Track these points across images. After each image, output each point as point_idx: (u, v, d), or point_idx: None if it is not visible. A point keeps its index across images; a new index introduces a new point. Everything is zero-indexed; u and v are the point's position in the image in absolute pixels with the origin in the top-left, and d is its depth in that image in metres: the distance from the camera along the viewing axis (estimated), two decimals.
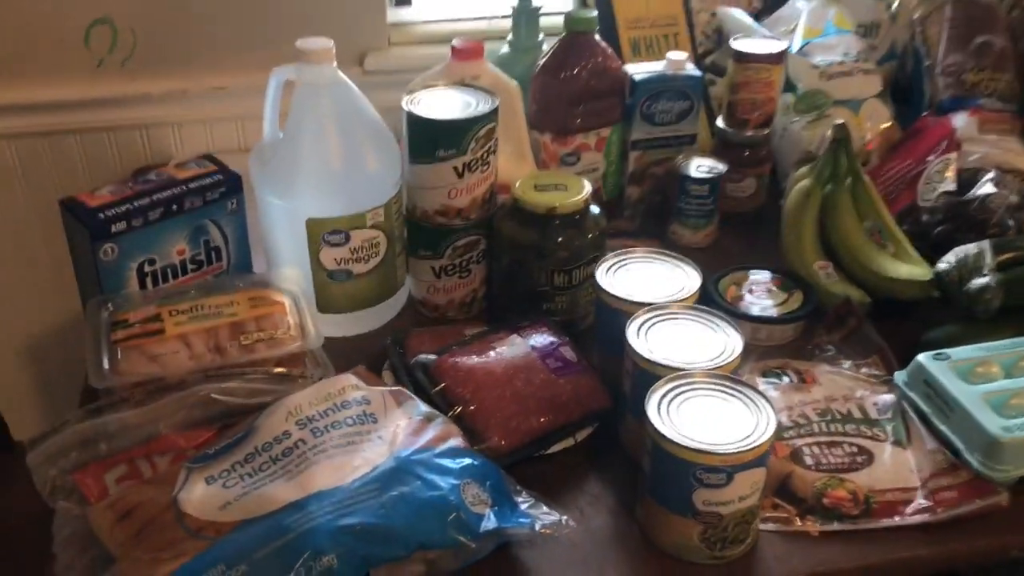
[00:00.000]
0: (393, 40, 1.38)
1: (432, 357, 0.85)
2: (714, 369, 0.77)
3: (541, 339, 0.89)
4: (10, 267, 1.39)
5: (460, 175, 0.95)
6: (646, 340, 0.80)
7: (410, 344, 0.91)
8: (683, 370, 0.76)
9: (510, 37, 1.27)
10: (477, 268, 1.01)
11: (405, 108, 0.94)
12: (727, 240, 1.18)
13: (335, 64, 0.91)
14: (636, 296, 0.86)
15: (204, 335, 0.85)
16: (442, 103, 0.95)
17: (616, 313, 0.86)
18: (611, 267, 0.90)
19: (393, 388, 0.79)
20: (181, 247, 0.94)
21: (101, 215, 0.88)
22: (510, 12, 1.26)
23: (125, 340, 0.83)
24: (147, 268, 0.92)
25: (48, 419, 1.43)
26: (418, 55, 1.37)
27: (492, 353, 0.85)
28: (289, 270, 0.96)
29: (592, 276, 0.93)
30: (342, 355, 0.95)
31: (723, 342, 0.80)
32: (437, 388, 0.82)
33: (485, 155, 0.95)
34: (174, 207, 0.92)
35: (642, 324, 0.82)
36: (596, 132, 1.15)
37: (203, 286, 0.92)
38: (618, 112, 1.16)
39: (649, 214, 1.21)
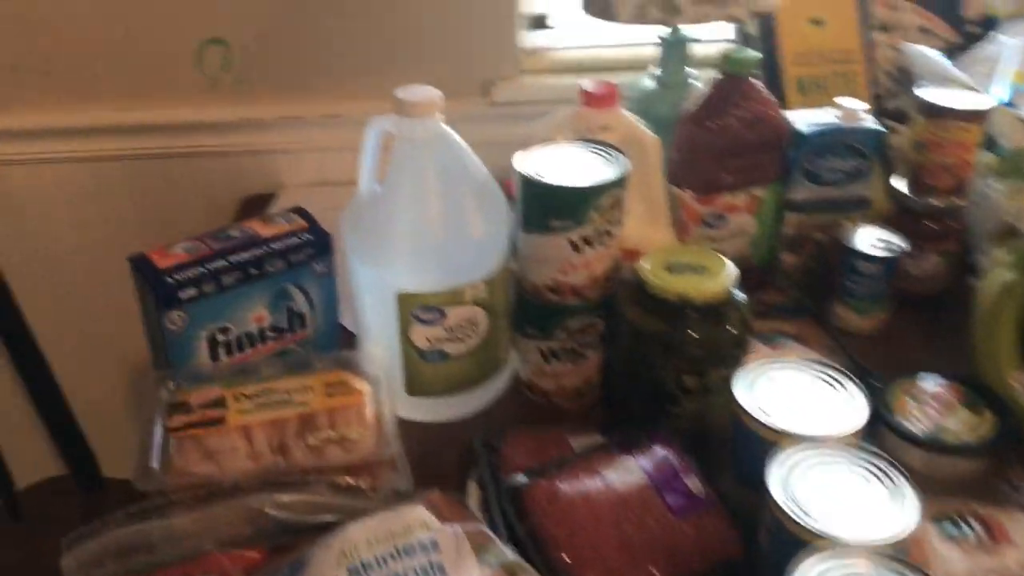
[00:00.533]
0: (525, 67, 1.25)
1: (524, 481, 0.71)
2: (883, 546, 0.59)
3: (660, 462, 0.73)
4: (115, 290, 1.34)
5: (576, 249, 0.80)
6: (795, 489, 0.63)
7: (505, 450, 0.77)
8: (842, 543, 0.59)
9: (656, 70, 1.11)
10: (593, 353, 0.87)
11: (516, 168, 0.80)
12: (901, 328, 0.98)
13: (439, 117, 0.78)
14: (784, 421, 0.69)
15: (269, 428, 0.74)
16: (562, 162, 0.81)
17: (756, 438, 0.70)
18: (755, 376, 0.74)
19: (470, 526, 0.65)
20: (260, 314, 0.84)
21: (170, 279, 0.78)
22: (658, 41, 1.10)
23: (182, 429, 0.73)
24: (220, 337, 0.82)
25: None
26: (552, 86, 1.23)
27: (599, 480, 0.70)
28: (375, 348, 0.84)
29: (730, 381, 0.77)
30: (429, 447, 0.83)
31: (898, 508, 0.62)
32: (527, 525, 0.68)
33: (608, 228, 0.81)
34: (253, 271, 0.81)
35: (790, 464, 0.65)
36: (748, 191, 0.98)
37: (276, 364, 0.81)
38: (776, 168, 0.98)
39: (807, 287, 1.03)
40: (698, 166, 0.96)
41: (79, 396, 1.22)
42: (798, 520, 0.61)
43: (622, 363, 0.84)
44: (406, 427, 0.84)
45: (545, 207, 0.79)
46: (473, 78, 1.21)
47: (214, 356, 0.83)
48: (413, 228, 0.79)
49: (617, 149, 0.82)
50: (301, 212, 0.88)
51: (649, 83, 1.12)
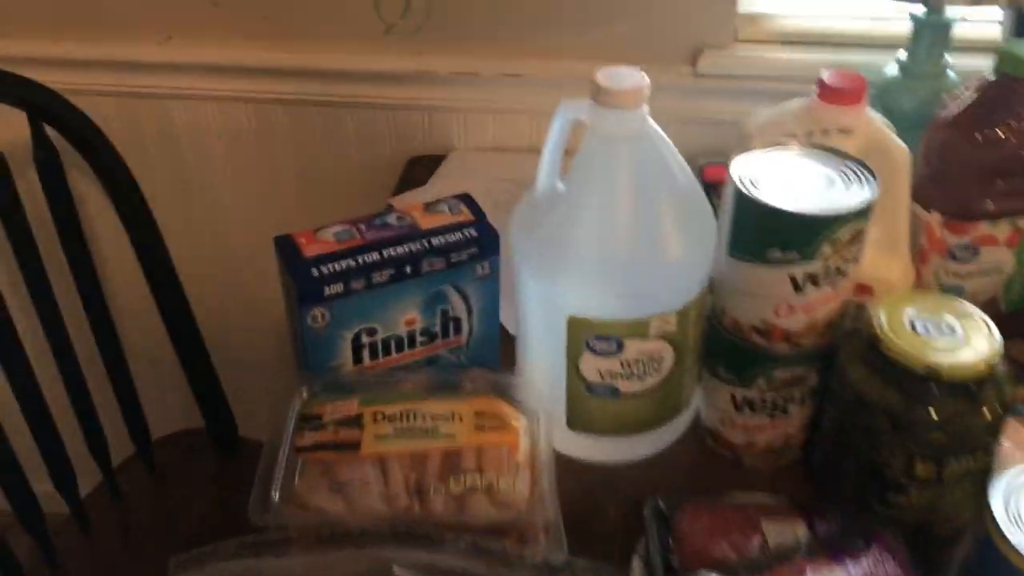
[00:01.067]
0: (741, 36, 1.07)
1: None
2: None
3: (875, 569, 0.58)
4: (267, 242, 1.28)
5: (798, 288, 0.65)
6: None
7: (682, 524, 0.63)
8: None
9: (903, 55, 0.92)
10: (798, 410, 0.71)
11: (733, 177, 0.65)
12: None
13: (646, 109, 0.64)
14: None
15: (407, 463, 0.63)
16: (790, 175, 0.65)
17: (1015, 573, 0.54)
18: (1019, 485, 0.57)
19: None
20: (411, 316, 0.73)
21: (315, 271, 0.68)
22: (909, 19, 0.91)
23: (311, 450, 0.64)
24: (365, 339, 0.72)
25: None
26: (771, 60, 1.06)
27: None
28: (535, 371, 0.72)
29: (979, 479, 0.60)
30: (587, 494, 0.71)
31: None
32: None
33: (841, 265, 0.64)
34: (409, 269, 0.70)
35: None
36: (1012, 221, 0.79)
37: (423, 378, 0.70)
38: None
39: None
40: (954, 185, 0.78)
41: (220, 350, 1.16)
42: None
43: (836, 431, 0.69)
44: (561, 463, 0.72)
45: (765, 233, 0.64)
46: (679, 43, 1.04)
47: (357, 359, 0.72)
48: (598, 243, 0.65)
49: (865, 167, 0.65)
50: (467, 201, 0.76)
51: (892, 70, 0.93)
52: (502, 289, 0.75)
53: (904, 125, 0.82)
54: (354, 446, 0.64)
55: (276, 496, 0.61)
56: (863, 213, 0.63)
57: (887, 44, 1.01)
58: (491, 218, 0.74)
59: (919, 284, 0.81)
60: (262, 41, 1.11)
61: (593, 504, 0.71)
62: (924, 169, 0.79)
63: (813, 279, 0.64)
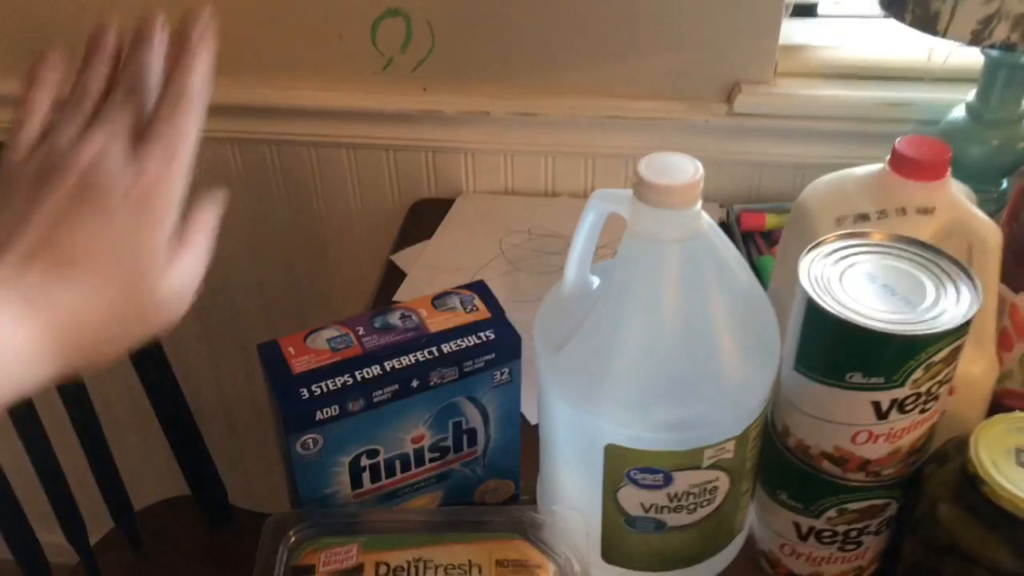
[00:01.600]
0: (781, 69, 0.96)
1: None
2: None
3: None
4: (255, 294, 1.17)
5: (882, 415, 0.54)
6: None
7: None
8: None
9: (972, 97, 0.81)
10: (874, 541, 0.61)
11: (804, 284, 0.54)
12: None
13: (699, 206, 0.53)
14: None
15: None
16: (871, 279, 0.54)
17: None
18: None
19: None
20: (419, 433, 0.62)
21: (305, 392, 0.57)
22: (981, 57, 0.80)
23: None
24: (365, 461, 0.61)
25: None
26: (813, 97, 0.94)
27: None
28: (566, 504, 0.61)
29: None
30: None
31: None
32: None
33: (935, 388, 0.54)
34: (415, 383, 0.60)
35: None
36: None
37: (429, 524, 0.60)
38: None
39: None
40: None
41: (206, 411, 1.06)
42: None
43: (921, 573, 0.58)
44: None
45: (845, 353, 0.53)
46: (714, 79, 0.93)
47: (356, 484, 0.62)
48: (641, 364, 0.55)
49: (961, 266, 0.55)
50: (482, 292, 0.65)
51: (959, 114, 0.82)
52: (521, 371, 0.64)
53: (970, 175, 0.71)
54: None
55: None
56: (964, 328, 0.52)
57: (947, 78, 0.90)
58: (506, 286, 0.63)
59: (1000, 370, 0.70)
60: (247, 77, 1.00)
61: None
62: (1008, 243, 0.68)
63: (901, 406, 0.54)
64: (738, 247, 0.93)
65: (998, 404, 0.72)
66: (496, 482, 0.69)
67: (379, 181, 1.05)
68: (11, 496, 0.94)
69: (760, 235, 0.96)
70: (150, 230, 0.40)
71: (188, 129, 0.41)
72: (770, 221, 0.95)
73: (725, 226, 0.99)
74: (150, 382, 1.00)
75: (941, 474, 0.56)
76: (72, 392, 0.96)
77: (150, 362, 0.99)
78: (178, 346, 1.05)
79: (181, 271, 0.41)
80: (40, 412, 0.93)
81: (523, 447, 0.68)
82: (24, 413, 0.92)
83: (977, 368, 0.66)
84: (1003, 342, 0.71)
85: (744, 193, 1.01)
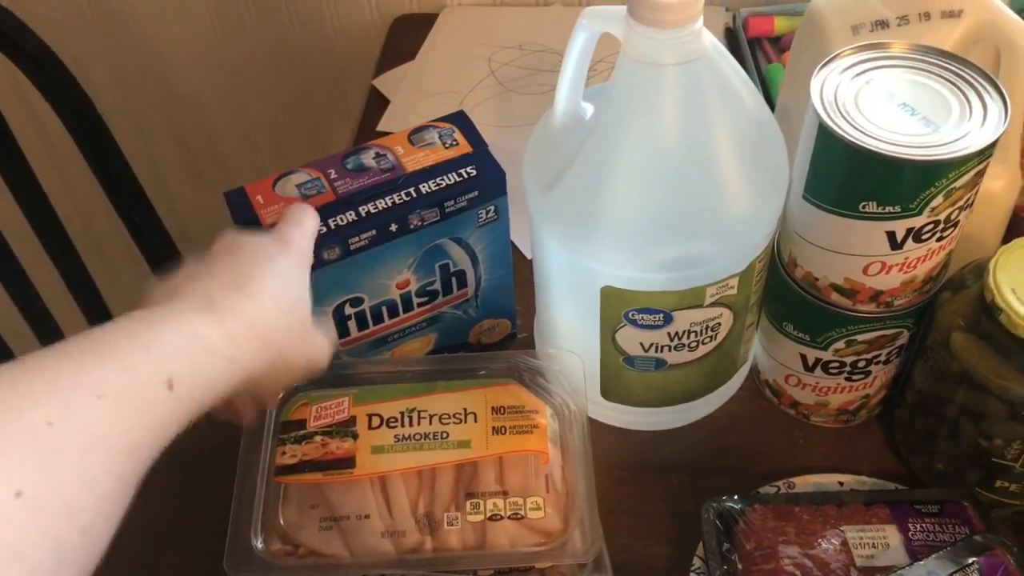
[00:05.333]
0: None
1: None
2: None
3: None
4: (248, 109, 1.11)
5: (897, 245, 0.50)
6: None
7: (744, 537, 0.53)
8: None
9: None
10: (882, 370, 0.59)
11: (815, 105, 0.49)
12: None
13: (700, 23, 0.47)
14: None
15: (414, 483, 0.52)
16: (890, 98, 0.49)
17: None
18: None
19: None
20: (404, 278, 0.59)
21: None
22: None
23: (296, 471, 0.52)
24: (349, 310, 0.59)
25: None
26: None
27: None
28: (562, 344, 0.59)
29: None
30: (629, 477, 0.60)
31: None
32: None
33: (954, 215, 0.50)
34: (394, 227, 0.56)
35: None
36: None
37: (424, 368, 0.58)
38: None
39: None
40: None
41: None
42: None
43: (932, 404, 0.56)
44: (595, 430, 0.61)
45: (859, 181, 0.49)
46: None
47: (343, 332, 0.60)
48: (639, 199, 0.50)
49: (988, 77, 0.49)
50: (462, 123, 0.60)
51: None
52: (511, 201, 0.60)
53: None
54: (348, 463, 0.52)
55: (258, 543, 0.50)
56: (989, 151, 0.47)
57: None
58: (497, 110, 0.58)
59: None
60: None
61: (637, 486, 0.60)
62: None
63: (917, 235, 0.50)
64: (744, 56, 0.86)
65: (1018, 219, 0.68)
66: (491, 322, 0.66)
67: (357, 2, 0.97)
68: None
69: (769, 41, 0.89)
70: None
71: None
72: (780, 25, 0.88)
73: (731, 32, 0.91)
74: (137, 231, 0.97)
75: (956, 302, 0.53)
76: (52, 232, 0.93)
77: (137, 207, 0.95)
78: (165, 191, 1.00)
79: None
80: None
81: (519, 281, 0.65)
82: None
83: (999, 184, 0.62)
84: None
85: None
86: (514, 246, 0.64)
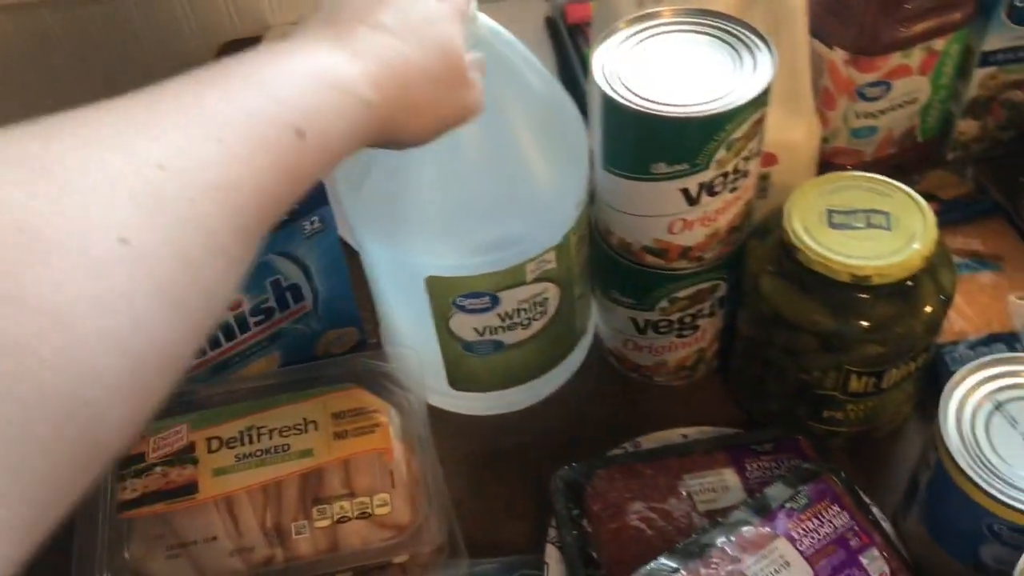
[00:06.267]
0: None
1: None
2: None
3: (822, 528, 0.50)
4: None
5: (693, 201, 0.53)
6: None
7: (592, 501, 0.54)
8: None
9: None
10: (709, 322, 0.61)
11: (597, 79, 0.51)
12: None
13: (473, 7, 0.48)
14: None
15: (260, 499, 0.52)
16: (665, 61, 0.51)
17: (975, 508, 0.46)
18: (975, 402, 0.49)
19: None
20: (235, 300, 0.59)
21: None
22: None
23: (138, 504, 0.52)
24: None
25: None
26: None
27: (738, 574, 0.48)
28: (402, 338, 0.60)
29: (920, 374, 0.53)
30: (485, 462, 0.62)
31: None
32: None
33: (741, 165, 0.52)
34: None
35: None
36: (926, 45, 0.67)
37: (263, 384, 0.58)
38: (968, 9, 0.67)
39: (990, 166, 0.74)
40: (857, 14, 0.65)
41: None
42: None
43: (755, 348, 0.59)
44: (449, 421, 0.62)
45: (646, 145, 0.51)
46: None
47: None
48: (443, 189, 0.52)
49: (753, 30, 0.52)
50: None
51: None
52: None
53: None
54: (190, 489, 0.52)
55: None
56: (762, 99, 0.50)
57: None
58: None
59: (826, 130, 0.70)
60: None
61: (493, 470, 0.61)
62: (818, 4, 0.66)
63: (710, 188, 0.52)
64: (566, 44, 0.89)
65: (828, 164, 0.72)
66: (337, 332, 0.67)
67: (176, 29, 0.96)
68: None
69: (588, 26, 0.91)
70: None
71: None
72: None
73: (552, 22, 0.94)
74: None
75: (762, 248, 0.56)
76: None
77: None
78: None
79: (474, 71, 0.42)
80: None
81: (363, 287, 0.66)
82: None
83: (797, 134, 0.65)
84: (825, 101, 0.70)
85: None
86: (353, 247, 0.65)
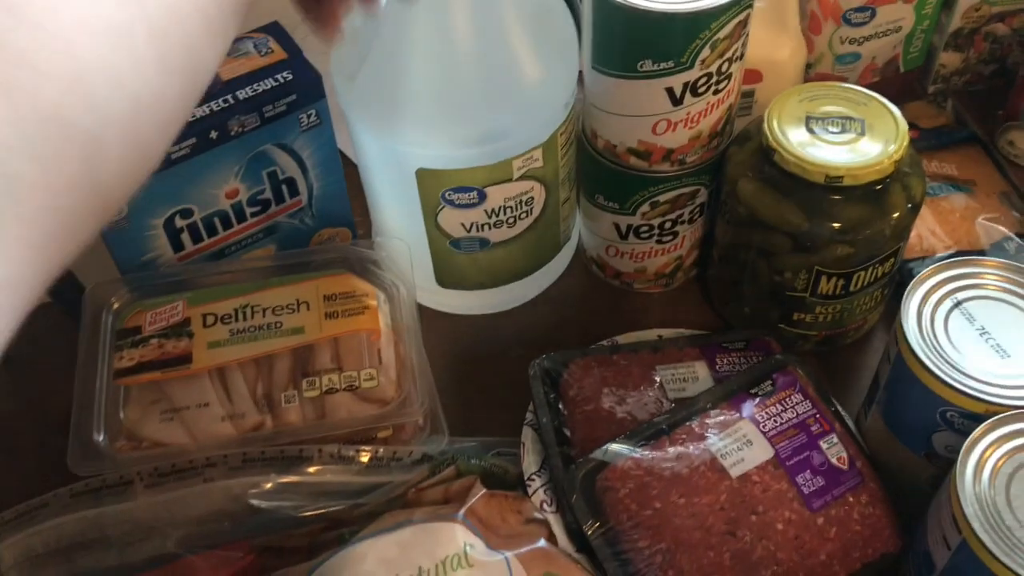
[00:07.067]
0: None
1: (598, 461, 0.51)
2: None
3: (785, 413, 0.53)
4: None
5: (677, 101, 0.55)
6: (994, 497, 0.44)
7: (570, 385, 0.57)
8: None
9: None
10: (688, 230, 0.64)
11: None
12: None
13: None
14: (987, 380, 0.48)
15: (251, 371, 0.54)
16: None
17: (930, 396, 0.49)
18: (936, 299, 0.51)
19: (530, 544, 0.47)
20: (232, 187, 0.61)
21: None
22: None
23: (133, 373, 0.54)
24: (180, 222, 0.60)
25: None
26: None
27: (703, 462, 0.50)
28: (392, 232, 0.62)
29: (887, 280, 0.56)
30: (468, 358, 0.64)
31: None
32: (600, 528, 0.49)
33: (725, 67, 0.54)
34: (214, 134, 0.58)
35: (988, 455, 0.45)
36: None
37: (257, 267, 0.60)
38: None
39: (970, 99, 0.76)
40: None
41: None
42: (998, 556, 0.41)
43: (731, 251, 0.61)
44: (436, 320, 0.65)
45: (633, 41, 0.53)
46: None
47: (178, 246, 0.61)
48: (436, 80, 0.54)
49: None
50: (277, 33, 0.62)
51: None
52: (337, 113, 0.62)
53: None
54: (185, 360, 0.54)
55: (101, 437, 0.52)
56: (743, 2, 0.52)
57: None
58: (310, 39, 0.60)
59: (811, 55, 0.72)
60: None
61: (476, 366, 0.64)
62: None
63: (694, 88, 0.54)
64: None
65: None
66: (331, 231, 0.69)
67: None
68: None
69: None
70: None
71: None
72: None
73: None
74: None
75: (742, 153, 0.58)
76: None
77: None
78: None
79: None
80: None
81: (356, 190, 0.67)
82: None
83: (783, 53, 0.67)
84: (811, 26, 0.71)
85: None
86: (350, 159, 0.67)
